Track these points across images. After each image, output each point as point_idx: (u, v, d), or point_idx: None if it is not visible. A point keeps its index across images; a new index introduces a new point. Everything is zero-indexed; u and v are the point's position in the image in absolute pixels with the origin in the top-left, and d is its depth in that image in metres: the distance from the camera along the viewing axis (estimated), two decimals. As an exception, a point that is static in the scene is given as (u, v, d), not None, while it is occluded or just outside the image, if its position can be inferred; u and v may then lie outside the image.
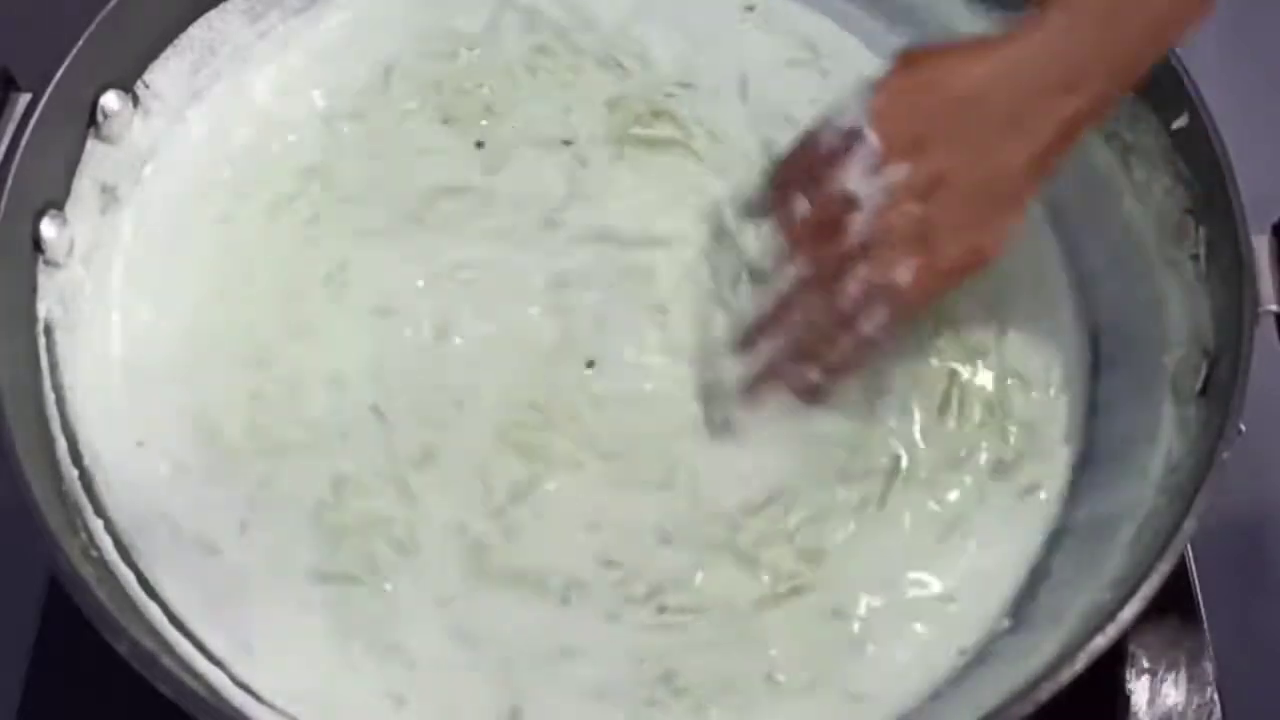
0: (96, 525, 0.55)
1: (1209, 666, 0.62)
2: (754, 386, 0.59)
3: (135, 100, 0.64)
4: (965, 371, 0.62)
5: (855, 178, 0.58)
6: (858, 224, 0.58)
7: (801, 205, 0.59)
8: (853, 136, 0.58)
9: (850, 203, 0.58)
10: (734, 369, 0.60)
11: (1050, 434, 0.61)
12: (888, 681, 0.55)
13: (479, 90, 0.68)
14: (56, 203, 0.59)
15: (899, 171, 0.57)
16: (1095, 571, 0.55)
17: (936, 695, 0.54)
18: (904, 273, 0.58)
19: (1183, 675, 0.62)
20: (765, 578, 0.57)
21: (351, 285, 0.63)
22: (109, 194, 0.63)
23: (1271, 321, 0.55)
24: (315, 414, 0.60)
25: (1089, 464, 0.60)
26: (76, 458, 0.56)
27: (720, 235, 0.63)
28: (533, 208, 0.65)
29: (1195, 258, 0.58)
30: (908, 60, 0.60)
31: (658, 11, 0.71)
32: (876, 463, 0.59)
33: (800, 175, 0.60)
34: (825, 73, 0.69)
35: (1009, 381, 0.62)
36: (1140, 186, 0.62)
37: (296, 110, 0.68)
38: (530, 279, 0.63)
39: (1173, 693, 0.62)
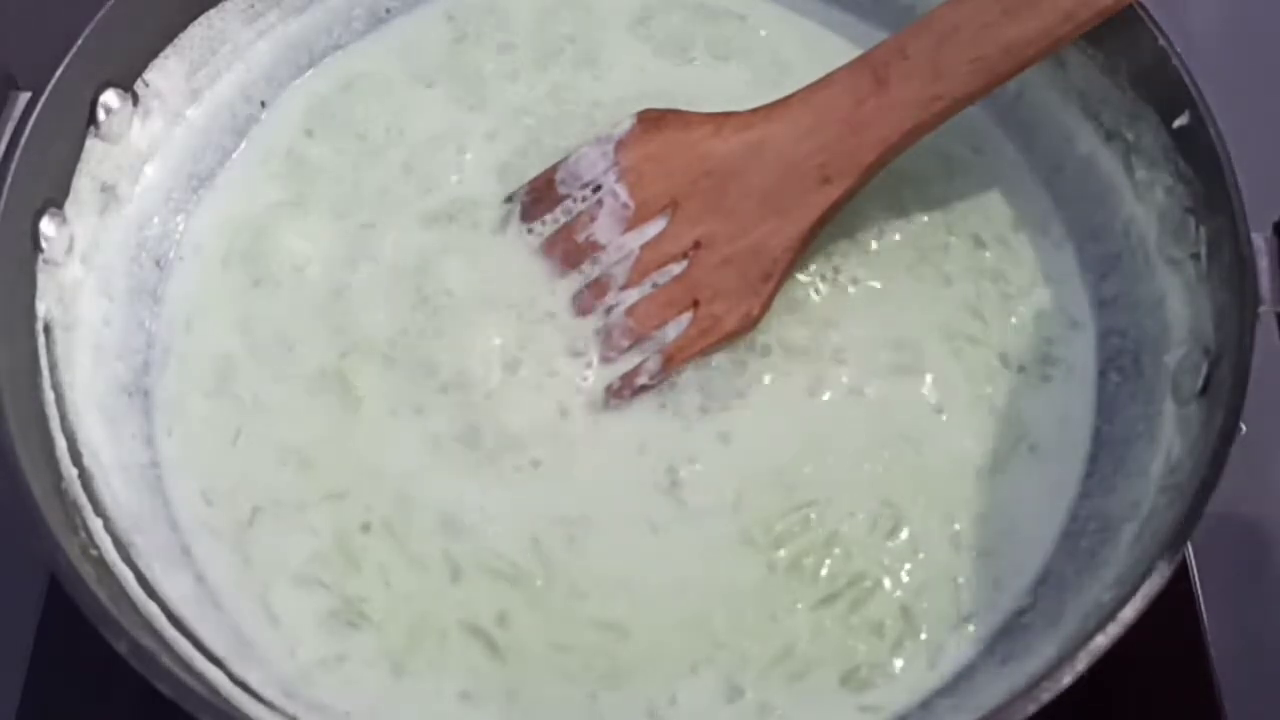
0: (96, 524, 0.54)
1: (1209, 666, 0.62)
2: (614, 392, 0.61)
3: (135, 99, 0.64)
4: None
5: (605, 229, 0.62)
6: (613, 274, 0.61)
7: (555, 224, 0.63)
8: (601, 189, 0.62)
9: (598, 249, 0.62)
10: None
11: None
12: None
13: None
14: (56, 201, 0.60)
15: (654, 227, 0.61)
16: (1095, 571, 0.55)
17: (937, 695, 0.54)
18: (671, 329, 0.60)
19: (1183, 675, 0.62)
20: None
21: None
22: (108, 193, 0.63)
23: (1272, 321, 0.55)
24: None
25: (1090, 464, 0.60)
26: (76, 457, 0.56)
27: None
28: None
29: (1196, 257, 0.58)
30: (649, 121, 0.64)
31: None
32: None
33: (543, 208, 0.64)
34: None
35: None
36: (1141, 186, 0.62)
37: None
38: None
39: (1173, 693, 0.62)
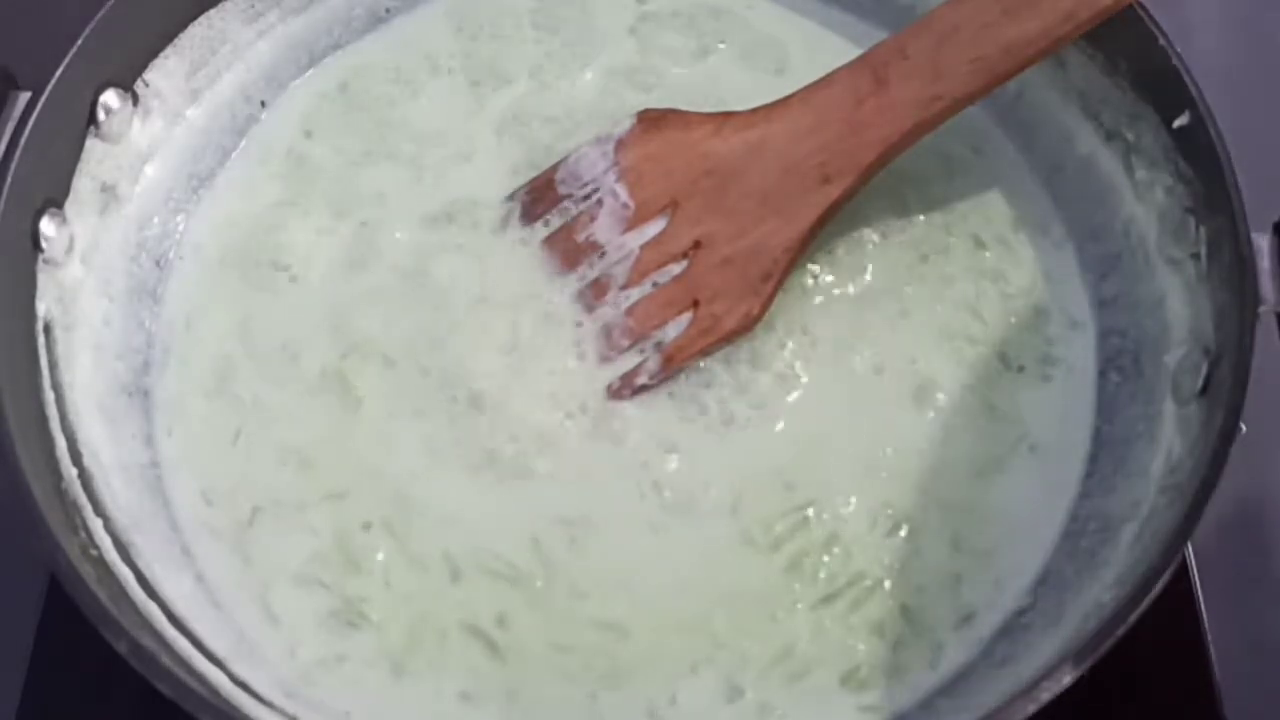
0: (96, 524, 0.55)
1: (1209, 666, 0.62)
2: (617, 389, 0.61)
3: (135, 99, 0.64)
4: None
5: (605, 229, 0.62)
6: (613, 274, 0.61)
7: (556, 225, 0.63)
8: (601, 189, 0.62)
9: (598, 249, 0.62)
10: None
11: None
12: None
13: None
14: (56, 201, 0.60)
15: (654, 227, 0.61)
16: (1095, 571, 0.55)
17: (937, 695, 0.54)
18: (671, 329, 0.60)
19: (1183, 675, 0.62)
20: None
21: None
22: (108, 193, 0.63)
23: (1272, 321, 0.55)
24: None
25: (1090, 464, 0.60)
26: (76, 457, 0.56)
27: None
28: None
29: (1196, 257, 0.58)
30: (649, 121, 0.64)
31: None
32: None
33: (543, 208, 0.64)
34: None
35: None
36: (1141, 186, 0.62)
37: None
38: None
39: (1173, 693, 0.62)
